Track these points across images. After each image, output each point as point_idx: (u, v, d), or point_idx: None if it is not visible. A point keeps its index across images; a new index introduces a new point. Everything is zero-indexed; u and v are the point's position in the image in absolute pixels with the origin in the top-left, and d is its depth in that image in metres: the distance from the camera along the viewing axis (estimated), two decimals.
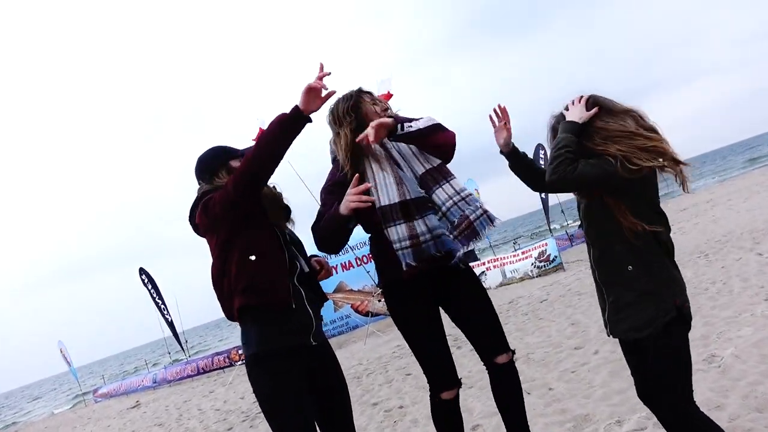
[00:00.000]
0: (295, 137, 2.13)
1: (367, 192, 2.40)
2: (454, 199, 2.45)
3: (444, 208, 2.43)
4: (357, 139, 2.39)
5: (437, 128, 2.47)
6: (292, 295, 2.23)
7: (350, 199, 2.36)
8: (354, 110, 2.49)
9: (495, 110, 2.52)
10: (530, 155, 2.55)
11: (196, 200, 2.36)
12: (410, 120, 2.46)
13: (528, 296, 9.90)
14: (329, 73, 2.16)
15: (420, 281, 2.47)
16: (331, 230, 2.46)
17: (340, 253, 12.88)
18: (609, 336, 2.17)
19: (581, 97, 2.15)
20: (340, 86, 2.32)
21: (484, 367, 2.57)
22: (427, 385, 2.57)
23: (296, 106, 2.10)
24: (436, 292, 2.52)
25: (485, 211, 2.46)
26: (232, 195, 2.15)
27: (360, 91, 2.56)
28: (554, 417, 3.73)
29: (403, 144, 2.52)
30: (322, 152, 2.72)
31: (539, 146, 18.00)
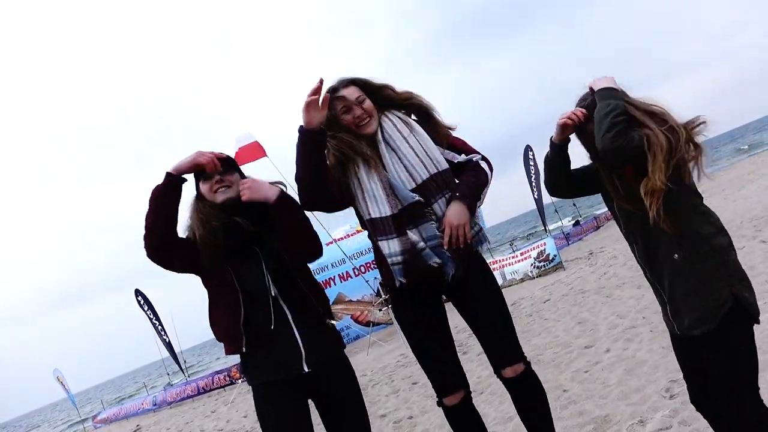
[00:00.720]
0: (175, 198, 2.15)
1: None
2: None
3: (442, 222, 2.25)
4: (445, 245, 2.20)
5: (486, 175, 2.33)
6: (257, 334, 2.14)
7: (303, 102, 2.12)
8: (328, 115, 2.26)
9: (576, 113, 2.11)
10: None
11: None
12: (471, 187, 2.26)
13: (530, 297, 9.78)
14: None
15: (426, 285, 2.31)
16: (302, 164, 2.16)
17: (338, 264, 12.68)
18: (678, 333, 2.01)
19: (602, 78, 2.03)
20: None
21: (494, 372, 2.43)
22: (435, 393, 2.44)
23: (167, 173, 2.12)
24: (445, 289, 2.36)
25: (481, 229, 2.33)
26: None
27: (333, 97, 2.27)
28: (572, 420, 3.59)
29: (405, 143, 2.27)
30: None
31: (528, 148, 17.93)
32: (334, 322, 2.28)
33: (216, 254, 2.16)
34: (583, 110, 2.05)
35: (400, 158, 2.26)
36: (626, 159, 1.92)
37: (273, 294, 2.17)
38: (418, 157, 2.25)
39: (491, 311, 2.34)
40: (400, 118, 2.34)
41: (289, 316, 2.17)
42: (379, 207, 2.23)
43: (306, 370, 2.15)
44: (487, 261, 2.70)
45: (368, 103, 2.29)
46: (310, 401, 2.26)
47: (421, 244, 2.22)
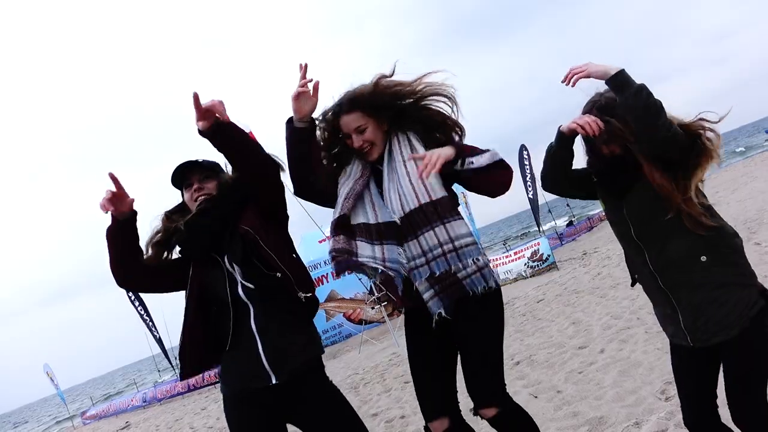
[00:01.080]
0: (124, 232, 2.13)
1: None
2: (445, 248, 2.06)
3: (429, 256, 2.07)
4: (419, 173, 2.04)
5: (499, 165, 2.11)
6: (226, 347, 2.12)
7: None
8: (333, 122, 2.24)
9: (593, 126, 1.89)
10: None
11: None
12: (473, 152, 2.10)
13: (524, 297, 9.76)
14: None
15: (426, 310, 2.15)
16: (289, 156, 2.17)
17: (331, 261, 12.76)
18: (692, 345, 1.90)
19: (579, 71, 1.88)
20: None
21: None
22: None
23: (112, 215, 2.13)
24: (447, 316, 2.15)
25: (480, 269, 2.08)
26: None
27: (335, 120, 2.24)
28: (566, 421, 3.55)
29: (403, 167, 2.16)
30: None
31: (522, 147, 17.92)
32: (308, 295, 2.15)
33: (172, 252, 2.22)
34: (601, 124, 1.86)
35: (395, 182, 2.18)
36: (677, 148, 1.79)
37: (234, 297, 2.09)
38: (412, 184, 2.13)
39: (478, 344, 2.16)
40: (408, 138, 2.24)
41: (253, 323, 2.07)
42: (336, 210, 2.23)
43: (274, 381, 2.03)
44: None
45: (369, 132, 2.20)
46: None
47: (371, 262, 2.11)
